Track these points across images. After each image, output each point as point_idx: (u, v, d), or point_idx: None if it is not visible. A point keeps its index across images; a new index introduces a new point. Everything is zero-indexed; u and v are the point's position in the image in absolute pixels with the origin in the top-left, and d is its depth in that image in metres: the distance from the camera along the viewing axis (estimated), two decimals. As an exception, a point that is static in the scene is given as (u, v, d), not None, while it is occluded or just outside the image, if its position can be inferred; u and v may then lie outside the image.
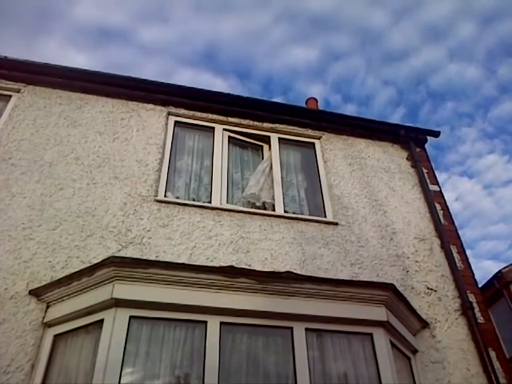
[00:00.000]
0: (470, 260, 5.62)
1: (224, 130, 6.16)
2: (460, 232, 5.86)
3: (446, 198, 6.28)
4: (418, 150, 6.75)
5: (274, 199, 5.63)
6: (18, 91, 5.71)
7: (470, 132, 53.55)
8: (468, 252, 5.72)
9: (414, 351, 4.57)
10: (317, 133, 6.57)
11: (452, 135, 53.67)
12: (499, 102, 50.38)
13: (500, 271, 12.61)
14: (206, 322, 3.75)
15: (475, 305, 5.14)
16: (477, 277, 5.52)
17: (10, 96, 5.67)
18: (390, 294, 4.26)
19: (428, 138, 6.89)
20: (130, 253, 4.49)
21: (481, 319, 5.04)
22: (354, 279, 4.86)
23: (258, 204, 5.57)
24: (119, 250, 4.50)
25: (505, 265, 12.78)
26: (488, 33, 46.29)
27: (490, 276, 12.92)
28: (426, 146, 6.89)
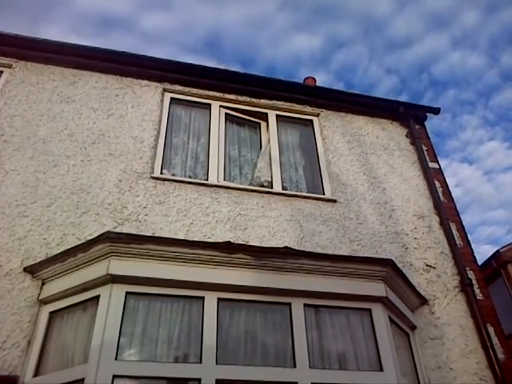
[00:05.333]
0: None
1: (221, 106, 6.05)
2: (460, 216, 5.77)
3: (445, 176, 6.20)
4: (417, 127, 6.66)
5: (271, 176, 5.56)
6: (10, 66, 5.57)
7: (471, 119, 53.33)
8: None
9: (413, 327, 4.56)
10: (315, 110, 6.46)
11: (453, 122, 53.47)
12: (501, 89, 50.09)
13: (498, 251, 12.61)
14: (203, 298, 3.71)
15: (474, 282, 5.11)
16: (475, 259, 5.47)
17: (1, 72, 5.52)
18: (389, 270, 4.21)
19: (428, 117, 6.79)
20: (125, 230, 4.42)
21: (480, 296, 5.02)
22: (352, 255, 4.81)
23: (264, 184, 5.49)
24: (115, 227, 4.44)
25: (503, 247, 12.80)
26: (492, 21, 45.79)
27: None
28: (427, 123, 6.81)
